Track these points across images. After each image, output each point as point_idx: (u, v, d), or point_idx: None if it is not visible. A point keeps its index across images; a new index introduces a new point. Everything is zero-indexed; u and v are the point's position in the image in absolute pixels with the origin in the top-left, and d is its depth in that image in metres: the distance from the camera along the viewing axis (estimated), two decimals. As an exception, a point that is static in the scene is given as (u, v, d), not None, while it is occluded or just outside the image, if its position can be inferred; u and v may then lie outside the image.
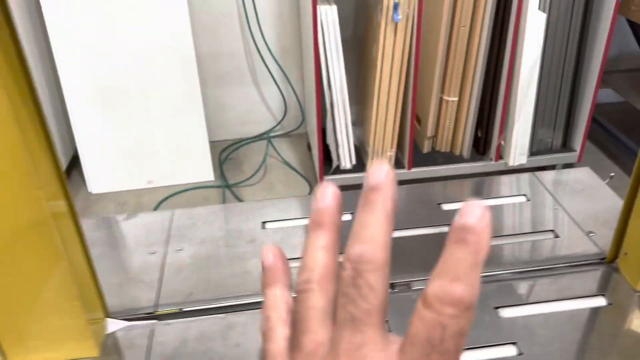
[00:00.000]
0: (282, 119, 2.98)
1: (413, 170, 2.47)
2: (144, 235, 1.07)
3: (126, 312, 0.89)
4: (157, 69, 2.39)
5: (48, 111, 2.47)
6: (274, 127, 2.99)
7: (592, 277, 0.98)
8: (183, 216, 1.13)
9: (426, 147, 2.57)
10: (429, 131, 2.51)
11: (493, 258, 1.03)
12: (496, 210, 1.15)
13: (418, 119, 2.56)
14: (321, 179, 2.47)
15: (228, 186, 2.62)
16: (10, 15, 0.62)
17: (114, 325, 0.87)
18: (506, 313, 0.91)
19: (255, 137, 2.97)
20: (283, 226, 1.11)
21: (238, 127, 2.97)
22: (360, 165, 2.47)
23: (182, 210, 1.14)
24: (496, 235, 1.07)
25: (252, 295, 0.93)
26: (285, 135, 3.00)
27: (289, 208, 1.16)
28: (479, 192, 1.24)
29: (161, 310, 0.91)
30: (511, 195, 1.20)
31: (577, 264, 1.01)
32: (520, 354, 0.83)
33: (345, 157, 2.44)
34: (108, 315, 0.87)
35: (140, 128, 2.49)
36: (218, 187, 2.61)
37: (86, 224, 0.88)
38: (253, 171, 2.70)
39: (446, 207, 1.16)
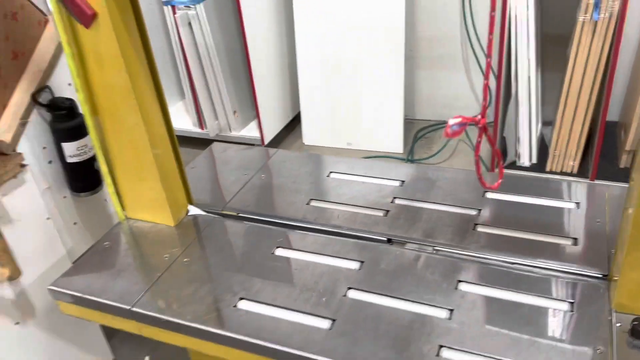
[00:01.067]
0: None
1: (597, 182, 2.28)
2: (249, 161, 1.45)
3: (205, 205, 1.29)
4: (369, 46, 2.73)
5: (283, 74, 3.07)
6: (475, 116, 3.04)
7: (580, 286, 0.97)
8: (282, 155, 1.47)
9: (623, 162, 2.32)
10: (629, 144, 2.26)
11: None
12: None
13: (622, 128, 2.32)
14: (492, 169, 2.49)
15: (412, 160, 2.84)
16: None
17: (193, 210, 1.27)
18: (465, 287, 1.00)
19: (458, 122, 3.07)
20: (343, 178, 1.35)
21: (442, 109, 3.12)
22: (540, 164, 2.40)
23: (284, 151, 1.48)
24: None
25: (296, 220, 1.22)
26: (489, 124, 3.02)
27: (356, 166, 1.38)
28: None
29: (225, 211, 1.27)
30: None
31: (574, 272, 1.00)
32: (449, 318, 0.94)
33: (524, 154, 2.40)
34: (192, 203, 1.28)
35: (348, 96, 2.88)
36: (403, 159, 2.85)
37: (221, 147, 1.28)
38: (441, 152, 2.84)
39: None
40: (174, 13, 2.68)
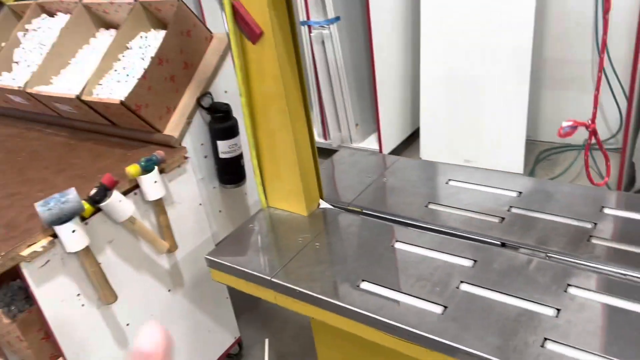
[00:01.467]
0: (616, 133, 2.90)
1: None
2: (373, 166, 1.60)
3: (333, 201, 1.46)
4: (494, 65, 2.77)
5: (405, 89, 3.20)
6: (607, 139, 2.94)
7: None
8: (403, 162, 1.60)
9: None
10: None
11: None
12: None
13: None
14: (619, 189, 2.41)
15: (531, 181, 2.82)
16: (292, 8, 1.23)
17: (323, 204, 1.44)
18: (574, 291, 1.06)
19: (582, 145, 2.99)
20: (462, 186, 1.45)
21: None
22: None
23: (405, 159, 1.61)
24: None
25: (413, 219, 1.34)
26: (616, 150, 2.90)
27: (474, 176, 1.48)
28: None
29: (351, 207, 1.43)
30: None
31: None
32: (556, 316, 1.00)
33: (655, 180, 2.31)
34: (322, 198, 1.46)
35: (469, 113, 2.94)
36: (522, 179, 2.84)
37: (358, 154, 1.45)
38: (563, 175, 2.79)
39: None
40: (310, 32, 2.94)
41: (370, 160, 1.65)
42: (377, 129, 3.07)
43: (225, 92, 1.78)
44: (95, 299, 1.43)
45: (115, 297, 1.43)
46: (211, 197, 1.81)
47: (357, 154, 1.70)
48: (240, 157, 1.75)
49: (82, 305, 1.41)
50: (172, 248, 1.61)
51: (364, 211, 1.41)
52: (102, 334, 1.49)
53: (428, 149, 3.19)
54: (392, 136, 3.21)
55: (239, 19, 1.18)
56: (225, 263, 1.29)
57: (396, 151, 3.23)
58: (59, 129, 1.89)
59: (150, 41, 1.74)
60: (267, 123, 1.33)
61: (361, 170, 1.60)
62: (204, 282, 1.78)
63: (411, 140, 3.36)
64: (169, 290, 1.69)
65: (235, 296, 1.92)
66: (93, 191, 1.36)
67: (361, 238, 1.32)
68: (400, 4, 3.04)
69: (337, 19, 2.87)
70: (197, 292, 1.78)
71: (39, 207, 1.25)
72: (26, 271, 1.28)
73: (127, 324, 1.54)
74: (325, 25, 2.88)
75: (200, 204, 1.74)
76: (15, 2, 2.18)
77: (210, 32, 1.78)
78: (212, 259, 1.32)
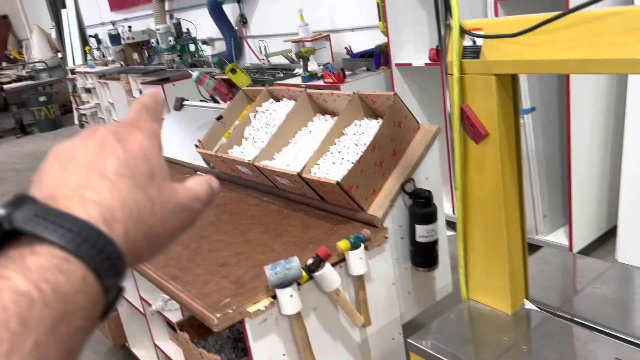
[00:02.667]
0: None
1: None
2: (584, 269, 1.53)
3: (539, 302, 1.42)
4: None
5: (602, 183, 3.00)
6: None
7: None
8: (620, 270, 1.50)
9: None
10: None
11: None
12: None
13: None
14: None
15: None
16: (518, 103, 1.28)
17: (528, 304, 1.41)
18: None
19: None
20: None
21: None
22: None
23: (624, 267, 1.51)
24: None
25: (634, 336, 1.26)
26: None
27: None
28: None
29: (560, 312, 1.38)
30: None
31: None
32: None
33: None
34: (528, 297, 1.43)
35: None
36: None
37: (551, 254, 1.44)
38: None
39: None
40: (502, 120, 2.95)
41: (581, 263, 1.58)
42: (569, 223, 2.90)
43: (427, 179, 1.87)
44: (296, 361, 1.55)
45: (314, 362, 1.54)
46: (402, 278, 1.87)
47: (563, 255, 1.64)
48: (435, 242, 1.80)
49: (286, 364, 1.53)
50: (367, 323, 1.69)
51: (575, 319, 1.35)
52: (297, 395, 1.60)
53: (626, 250, 2.91)
54: (584, 232, 3.00)
55: (466, 120, 1.27)
56: (429, 351, 1.32)
57: (588, 249, 3.00)
58: (273, 197, 2.14)
59: (364, 129, 1.92)
60: (479, 216, 1.37)
61: (569, 273, 1.54)
62: (388, 360, 1.82)
63: (606, 237, 3.10)
64: (356, 363, 1.76)
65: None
66: (309, 261, 1.51)
67: (575, 350, 1.26)
68: (604, 93, 2.91)
69: (533, 109, 2.85)
70: (380, 369, 1.82)
71: (268, 270, 1.43)
72: (248, 326, 1.45)
73: (319, 390, 1.63)
74: (521, 116, 2.87)
75: (393, 283, 1.81)
76: (248, 88, 2.58)
77: (418, 123, 1.90)
78: (416, 344, 1.36)
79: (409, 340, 1.39)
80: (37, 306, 0.31)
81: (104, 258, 0.35)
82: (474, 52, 1.21)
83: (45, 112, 9.06)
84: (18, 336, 0.30)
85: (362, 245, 1.62)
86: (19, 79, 10.19)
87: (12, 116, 9.20)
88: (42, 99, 9.03)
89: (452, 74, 1.25)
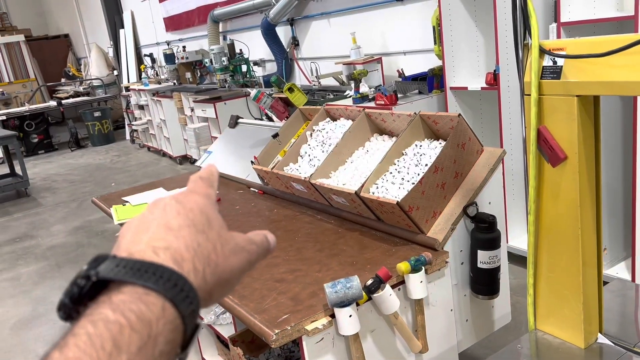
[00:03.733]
0: None
1: None
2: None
3: (614, 337, 1.34)
4: None
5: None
6: None
7: None
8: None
9: None
10: None
11: None
12: None
13: None
14: None
15: None
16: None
17: (601, 339, 1.34)
18: None
19: None
20: None
21: None
22: None
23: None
24: None
25: None
26: None
27: None
28: None
29: (637, 349, 1.30)
30: None
31: None
32: None
33: None
34: (601, 331, 1.35)
35: None
36: None
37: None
38: None
39: None
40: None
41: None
42: (632, 257, 2.76)
43: (489, 203, 1.81)
44: (352, 384, 1.51)
45: (370, 387, 1.49)
46: (461, 305, 1.81)
47: (637, 288, 1.55)
48: (497, 269, 1.73)
49: (340, 387, 1.49)
50: (424, 349, 1.63)
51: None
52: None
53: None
54: (647, 267, 2.85)
55: (543, 142, 1.22)
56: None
57: (652, 285, 2.84)
58: (327, 216, 2.12)
59: (424, 149, 1.89)
60: (553, 244, 1.31)
61: (644, 307, 1.45)
62: (444, 390, 1.75)
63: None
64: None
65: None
66: (369, 281, 1.48)
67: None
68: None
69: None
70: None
71: (327, 288, 1.41)
72: (305, 344, 1.42)
73: (372, 416, 1.57)
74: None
75: (452, 310, 1.75)
76: (304, 107, 2.59)
77: (482, 145, 1.86)
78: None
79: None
80: (126, 330, 0.37)
81: (179, 290, 0.41)
82: (554, 73, 1.17)
83: (99, 127, 9.41)
84: (112, 355, 0.36)
85: (423, 268, 1.58)
86: (76, 94, 10.65)
87: (68, 130, 9.58)
88: (96, 114, 9.39)
89: (529, 95, 1.22)
